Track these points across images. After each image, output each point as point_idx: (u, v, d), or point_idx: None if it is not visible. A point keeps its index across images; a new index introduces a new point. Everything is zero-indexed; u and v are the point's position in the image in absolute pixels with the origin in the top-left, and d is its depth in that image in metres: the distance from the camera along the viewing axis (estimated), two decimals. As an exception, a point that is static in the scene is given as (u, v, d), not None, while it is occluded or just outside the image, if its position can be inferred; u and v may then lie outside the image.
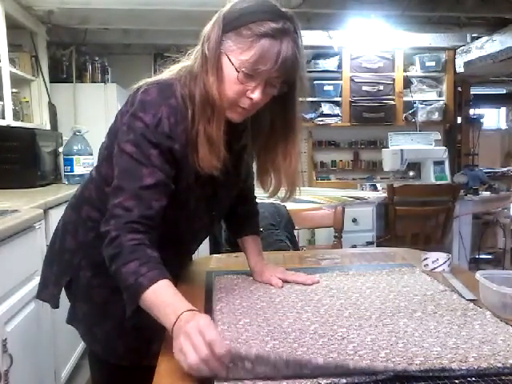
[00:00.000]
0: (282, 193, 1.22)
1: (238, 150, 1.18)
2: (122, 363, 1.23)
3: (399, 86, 4.56)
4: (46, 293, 1.29)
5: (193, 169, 1.08)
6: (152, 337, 1.16)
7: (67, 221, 1.28)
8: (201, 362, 0.76)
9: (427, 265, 1.40)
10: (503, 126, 6.47)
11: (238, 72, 1.01)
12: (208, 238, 2.42)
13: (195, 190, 1.13)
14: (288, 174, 1.17)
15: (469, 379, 0.77)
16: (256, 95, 1.03)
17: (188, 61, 1.12)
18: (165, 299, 0.90)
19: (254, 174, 1.28)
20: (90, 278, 1.21)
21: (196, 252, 1.44)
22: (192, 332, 0.78)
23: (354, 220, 3.12)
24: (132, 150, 1.02)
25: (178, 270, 1.31)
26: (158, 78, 1.11)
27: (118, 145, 1.05)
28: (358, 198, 3.18)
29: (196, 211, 1.17)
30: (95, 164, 1.26)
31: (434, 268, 1.38)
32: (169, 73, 1.12)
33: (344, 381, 0.76)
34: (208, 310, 1.09)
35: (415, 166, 3.96)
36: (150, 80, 1.10)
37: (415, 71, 4.68)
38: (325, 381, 0.76)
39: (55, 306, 1.27)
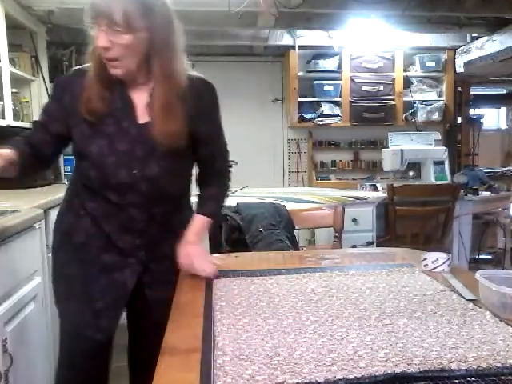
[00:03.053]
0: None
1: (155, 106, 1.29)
2: (68, 327, 1.40)
3: (399, 86, 4.57)
4: None
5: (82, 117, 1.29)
6: (100, 311, 1.35)
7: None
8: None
9: (427, 265, 1.40)
10: (503, 125, 6.46)
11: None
12: (208, 237, 2.43)
13: (96, 139, 1.30)
14: None
15: (468, 379, 0.77)
16: (99, 43, 1.20)
17: None
18: None
19: (222, 159, 1.50)
20: (58, 241, 1.44)
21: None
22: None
23: (354, 220, 3.12)
24: None
25: (138, 253, 1.38)
26: None
27: None
28: (357, 198, 3.17)
29: (106, 165, 1.30)
30: None
31: (434, 268, 1.38)
32: None
33: (341, 379, 0.76)
34: (208, 309, 1.10)
35: (415, 166, 3.96)
36: None
37: (415, 71, 4.69)
38: (322, 379, 0.76)
39: None
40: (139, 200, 1.33)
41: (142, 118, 1.32)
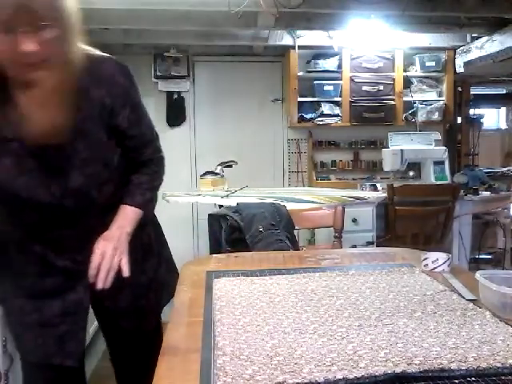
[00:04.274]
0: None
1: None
2: (28, 358, 1.26)
3: (399, 86, 4.56)
4: None
5: None
6: (65, 335, 1.21)
7: None
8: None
9: (427, 265, 1.40)
10: (503, 125, 6.45)
11: None
12: (208, 237, 2.43)
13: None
14: None
15: (468, 379, 0.77)
16: (25, 48, 0.96)
17: None
18: None
19: (151, 147, 1.29)
20: None
21: (196, 252, 1.44)
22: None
23: (354, 220, 3.12)
24: None
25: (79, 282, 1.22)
26: None
27: None
28: (358, 198, 3.17)
29: (17, 187, 1.11)
30: None
31: (434, 268, 1.38)
32: None
33: (342, 379, 0.76)
34: (208, 309, 1.10)
35: (415, 166, 3.96)
36: None
37: (415, 71, 4.68)
38: (322, 379, 0.76)
39: None
40: (68, 218, 1.17)
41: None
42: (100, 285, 1.15)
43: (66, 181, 1.14)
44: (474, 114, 5.33)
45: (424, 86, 4.70)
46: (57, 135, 1.09)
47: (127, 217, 1.24)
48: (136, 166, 1.30)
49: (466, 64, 4.44)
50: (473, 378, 0.77)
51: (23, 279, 1.22)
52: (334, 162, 4.82)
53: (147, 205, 1.30)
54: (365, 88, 4.52)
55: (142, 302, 1.33)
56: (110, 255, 1.16)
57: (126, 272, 1.18)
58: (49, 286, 1.21)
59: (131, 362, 1.41)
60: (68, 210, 1.16)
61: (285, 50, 4.46)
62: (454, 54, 4.58)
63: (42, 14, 0.96)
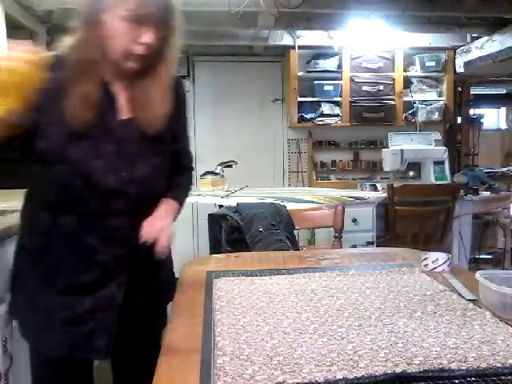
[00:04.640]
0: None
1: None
2: (52, 355, 1.25)
3: (399, 86, 4.57)
4: None
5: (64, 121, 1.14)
6: (93, 332, 1.21)
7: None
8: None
9: (427, 265, 1.40)
10: (503, 125, 6.46)
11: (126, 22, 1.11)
12: (208, 237, 2.44)
13: (78, 140, 1.16)
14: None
15: (468, 379, 0.77)
16: (145, 39, 1.13)
17: None
18: None
19: (187, 157, 1.44)
20: (25, 266, 1.26)
21: (196, 252, 1.44)
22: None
23: (354, 220, 3.12)
24: None
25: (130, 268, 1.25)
26: None
27: None
28: (357, 198, 3.17)
29: (91, 170, 1.17)
30: None
31: (434, 268, 1.38)
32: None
33: (342, 379, 0.76)
34: (208, 309, 1.10)
35: (415, 166, 3.96)
36: None
37: (415, 71, 4.69)
38: (322, 379, 0.76)
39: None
40: (126, 206, 1.21)
41: (124, 113, 1.22)
42: (160, 247, 1.21)
43: (136, 168, 1.22)
44: (473, 114, 5.34)
45: (424, 86, 4.70)
46: (143, 126, 1.20)
47: (169, 208, 1.31)
48: (174, 170, 1.38)
49: (466, 64, 4.44)
50: (473, 378, 0.78)
51: (59, 274, 1.21)
52: (334, 162, 4.82)
53: (183, 203, 1.38)
54: (365, 88, 4.53)
55: (158, 300, 1.35)
56: (167, 230, 1.24)
57: (164, 254, 1.23)
58: (85, 281, 1.22)
59: (136, 364, 1.40)
60: (129, 197, 1.21)
61: (285, 50, 4.46)
62: (454, 54, 4.59)
63: (166, 16, 1.15)
